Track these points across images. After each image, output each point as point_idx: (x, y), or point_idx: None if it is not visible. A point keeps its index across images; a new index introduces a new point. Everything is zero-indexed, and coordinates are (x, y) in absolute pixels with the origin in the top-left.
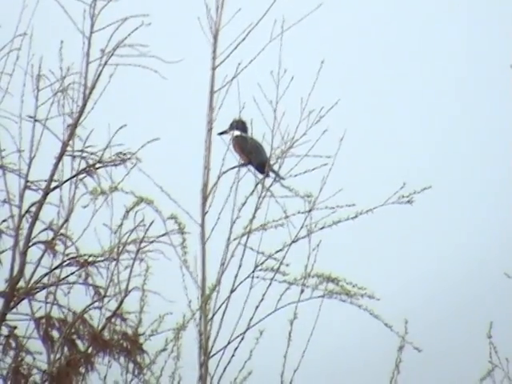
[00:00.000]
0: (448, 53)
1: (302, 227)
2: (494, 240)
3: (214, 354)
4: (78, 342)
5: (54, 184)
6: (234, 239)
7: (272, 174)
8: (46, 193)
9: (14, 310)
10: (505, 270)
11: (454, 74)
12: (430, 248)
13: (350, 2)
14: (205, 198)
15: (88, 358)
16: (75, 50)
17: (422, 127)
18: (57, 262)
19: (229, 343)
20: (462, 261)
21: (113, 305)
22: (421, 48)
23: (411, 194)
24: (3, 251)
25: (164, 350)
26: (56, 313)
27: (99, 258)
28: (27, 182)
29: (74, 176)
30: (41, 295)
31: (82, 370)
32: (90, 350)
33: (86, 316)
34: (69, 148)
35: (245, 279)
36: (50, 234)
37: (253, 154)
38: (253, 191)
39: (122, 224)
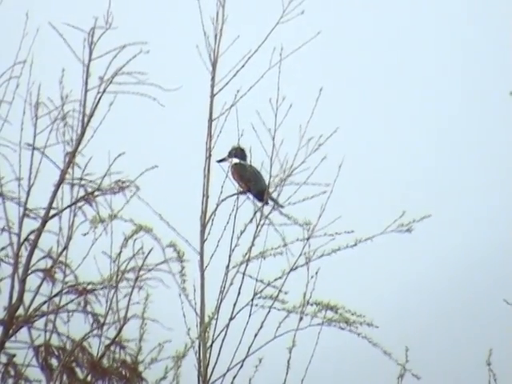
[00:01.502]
0: (447, 79)
1: (300, 255)
2: (494, 267)
3: (213, 382)
4: (77, 369)
5: (52, 212)
6: (233, 267)
7: (271, 202)
8: (45, 221)
9: (13, 338)
10: (504, 296)
11: (453, 99)
12: (429, 276)
13: (349, 30)
14: (204, 226)
15: None
16: (74, 77)
17: (421, 155)
18: (56, 290)
19: (228, 371)
20: (461, 289)
21: (112, 333)
22: (420, 74)
23: (410, 222)
24: (2, 279)
25: (164, 378)
26: (55, 341)
27: (98, 286)
28: (26, 209)
29: (72, 204)
30: (40, 323)
31: None
32: (89, 378)
33: (85, 344)
34: (68, 176)
35: (244, 307)
36: (49, 262)
37: (252, 182)
38: (252, 219)
39: (121, 252)
